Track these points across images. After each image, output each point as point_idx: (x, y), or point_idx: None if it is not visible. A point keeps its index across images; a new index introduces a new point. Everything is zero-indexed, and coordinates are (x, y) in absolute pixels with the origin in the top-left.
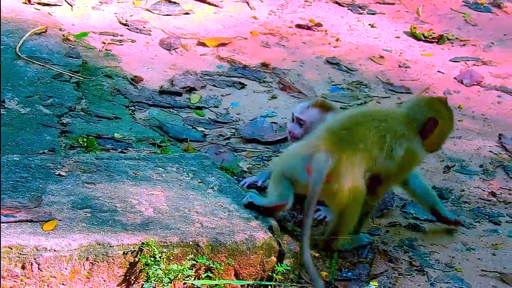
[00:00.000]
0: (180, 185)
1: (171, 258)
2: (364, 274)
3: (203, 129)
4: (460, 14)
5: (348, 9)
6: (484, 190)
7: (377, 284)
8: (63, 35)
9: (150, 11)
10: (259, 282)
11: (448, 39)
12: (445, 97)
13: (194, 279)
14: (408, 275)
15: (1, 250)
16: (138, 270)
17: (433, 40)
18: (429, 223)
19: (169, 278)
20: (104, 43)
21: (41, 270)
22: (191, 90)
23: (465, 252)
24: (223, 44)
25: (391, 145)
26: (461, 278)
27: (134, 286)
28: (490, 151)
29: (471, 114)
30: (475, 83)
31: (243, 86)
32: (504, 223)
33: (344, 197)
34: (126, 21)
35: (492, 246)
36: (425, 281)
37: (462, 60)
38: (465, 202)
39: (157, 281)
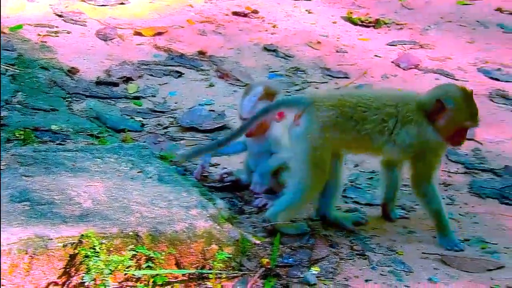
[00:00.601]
0: (118, 175)
1: (111, 249)
2: (305, 260)
3: (141, 119)
4: None
5: None
6: None
7: (318, 269)
8: None
9: (85, 2)
10: (200, 271)
11: (385, 23)
12: (470, 89)
13: (135, 270)
14: (350, 259)
15: None
16: (78, 262)
17: (370, 25)
18: (370, 207)
19: (110, 270)
20: (40, 35)
21: None
22: (128, 80)
23: (406, 235)
24: (159, 33)
25: (392, 129)
26: (403, 261)
27: (74, 278)
28: None
29: None
30: (413, 67)
31: (180, 75)
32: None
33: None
34: (62, 12)
35: (432, 229)
36: (367, 265)
37: (399, 44)
38: (404, 185)
39: (97, 272)
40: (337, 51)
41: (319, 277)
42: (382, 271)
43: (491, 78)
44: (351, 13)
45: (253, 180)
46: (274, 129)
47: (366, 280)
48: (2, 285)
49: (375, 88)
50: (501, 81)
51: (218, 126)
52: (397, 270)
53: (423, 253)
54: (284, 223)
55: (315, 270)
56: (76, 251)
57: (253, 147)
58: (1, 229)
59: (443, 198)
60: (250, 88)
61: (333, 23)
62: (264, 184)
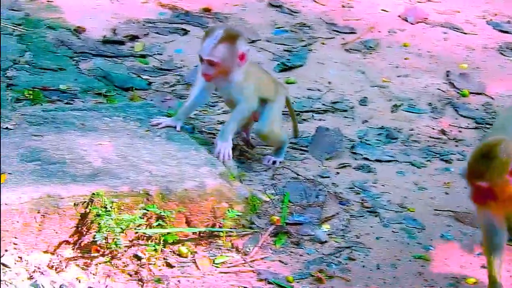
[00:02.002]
0: (127, 134)
1: (122, 207)
2: (315, 217)
3: (148, 77)
4: None
5: None
6: (433, 129)
7: (329, 227)
8: None
9: None
10: (210, 229)
11: None
12: None
13: (146, 228)
14: (360, 216)
15: None
16: (89, 221)
17: None
18: (380, 164)
19: (121, 228)
20: None
21: None
22: (134, 38)
23: (417, 192)
24: None
25: None
26: (414, 218)
27: (86, 237)
28: (438, 89)
29: (417, 52)
30: (420, 21)
31: (186, 32)
32: (455, 161)
33: None
34: None
35: (444, 185)
36: (378, 222)
37: None
38: (415, 141)
39: (108, 231)
40: (343, 6)
41: (330, 234)
42: (394, 228)
43: (501, 31)
44: None
45: (217, 145)
46: (236, 73)
47: (377, 238)
48: (14, 243)
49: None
50: (511, 33)
51: None
52: (409, 227)
53: (435, 209)
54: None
55: (325, 227)
56: (87, 210)
57: (220, 93)
58: (13, 188)
59: (454, 154)
60: (211, 30)
61: None
62: (227, 147)
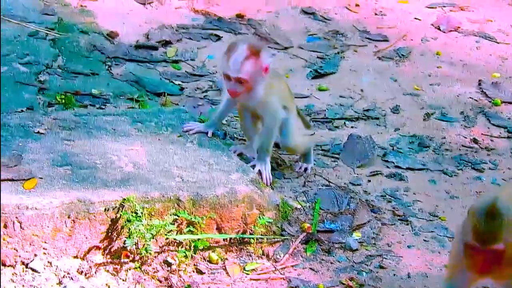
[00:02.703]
0: (159, 139)
1: (153, 213)
2: (347, 225)
3: (180, 82)
4: None
5: None
6: (465, 137)
7: (360, 235)
8: None
9: None
10: (241, 235)
11: None
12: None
13: (176, 234)
14: (392, 224)
15: None
16: (120, 226)
17: None
18: (411, 172)
19: (151, 234)
20: None
21: (23, 229)
22: (167, 43)
23: (449, 200)
24: None
25: None
26: (446, 226)
27: (116, 242)
28: (470, 97)
29: (450, 60)
30: (453, 29)
31: (218, 38)
32: (487, 170)
33: None
34: None
35: (476, 194)
36: (409, 231)
37: (439, 6)
38: (447, 149)
39: (139, 236)
40: (376, 14)
41: (361, 242)
42: (425, 236)
43: None
44: None
45: (258, 168)
46: (259, 87)
47: (409, 246)
48: (44, 248)
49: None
50: None
51: None
52: (440, 235)
53: None
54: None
55: (356, 235)
56: (118, 215)
57: (243, 111)
58: (43, 193)
59: (485, 163)
60: (234, 46)
61: None
62: (267, 169)
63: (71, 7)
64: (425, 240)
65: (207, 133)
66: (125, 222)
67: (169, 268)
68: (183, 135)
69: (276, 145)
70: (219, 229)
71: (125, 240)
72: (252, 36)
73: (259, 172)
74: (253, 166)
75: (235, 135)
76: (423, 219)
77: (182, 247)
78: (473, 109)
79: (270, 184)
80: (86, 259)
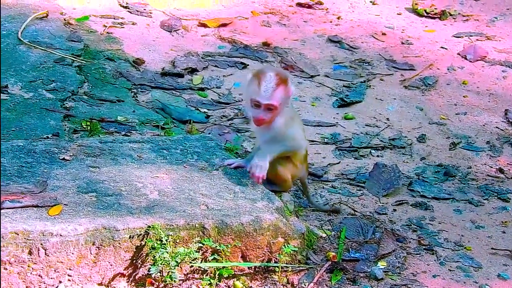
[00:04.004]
0: (184, 167)
1: (178, 241)
2: (372, 254)
3: (206, 110)
4: None
5: None
6: (491, 167)
7: (385, 264)
8: (64, 19)
9: None
10: (266, 264)
11: (451, 15)
12: None
13: (201, 262)
14: (417, 254)
15: (8, 236)
16: (144, 254)
17: (436, 16)
18: (437, 201)
19: (176, 261)
20: (105, 26)
21: (48, 255)
22: (193, 71)
23: (474, 230)
24: (224, 25)
25: None
26: (471, 256)
27: (141, 269)
28: (497, 127)
29: (476, 89)
30: (479, 59)
31: (245, 66)
32: None
33: None
34: (127, 3)
35: (501, 224)
36: (435, 260)
37: (465, 36)
38: (472, 179)
39: (163, 264)
40: (402, 43)
41: (386, 271)
42: (450, 266)
43: None
44: (416, 4)
45: (252, 162)
46: (281, 117)
47: (434, 276)
48: (69, 275)
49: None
50: None
51: None
52: (465, 265)
53: (492, 248)
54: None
55: (382, 264)
56: (143, 243)
57: (261, 137)
58: (68, 220)
59: (511, 193)
60: (262, 74)
61: (398, 14)
62: (263, 167)
63: (97, 34)
64: (450, 270)
65: (245, 167)
66: (150, 249)
67: None
68: (209, 162)
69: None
70: (244, 257)
71: (149, 268)
72: (276, 64)
73: (251, 167)
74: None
75: None
76: (448, 248)
77: (206, 275)
78: (500, 138)
79: (259, 182)
80: (110, 286)
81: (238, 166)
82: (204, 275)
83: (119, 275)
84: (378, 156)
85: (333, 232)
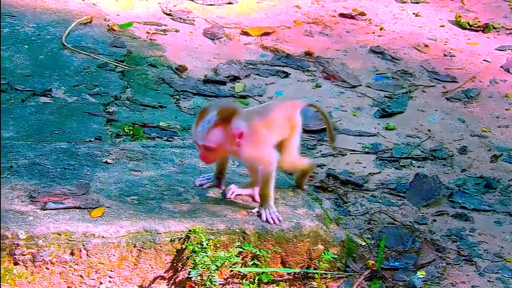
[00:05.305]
0: (226, 172)
1: (218, 245)
2: (411, 264)
3: None
4: (506, 2)
5: None
6: None
7: (425, 274)
8: (108, 25)
9: (193, 1)
10: (306, 270)
11: (494, 28)
12: None
13: (241, 267)
14: (456, 264)
15: (50, 236)
16: (185, 257)
17: (479, 29)
18: (477, 213)
19: (216, 265)
20: (149, 32)
21: (89, 257)
22: (235, 79)
23: None
24: (266, 34)
25: None
26: (511, 268)
27: (181, 273)
28: None
29: None
30: None
31: (287, 75)
32: None
33: None
34: (170, 11)
35: None
36: (474, 271)
37: (509, 49)
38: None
39: (204, 268)
40: (444, 55)
41: (425, 281)
42: (490, 277)
43: None
44: (459, 17)
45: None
46: (242, 150)
47: (473, 286)
48: (110, 277)
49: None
50: None
51: (324, 127)
52: (505, 277)
53: None
54: None
55: (421, 274)
56: (184, 246)
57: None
58: (110, 222)
59: None
60: (203, 111)
61: (441, 26)
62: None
63: (141, 40)
64: (489, 281)
65: (219, 186)
66: (191, 253)
67: None
68: None
69: (342, 182)
70: (284, 263)
71: (189, 271)
72: (228, 100)
73: (266, 221)
74: (258, 214)
75: None
76: (488, 260)
77: (246, 280)
78: None
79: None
80: None
81: (212, 186)
82: (244, 280)
83: (159, 277)
84: (419, 166)
85: (372, 240)
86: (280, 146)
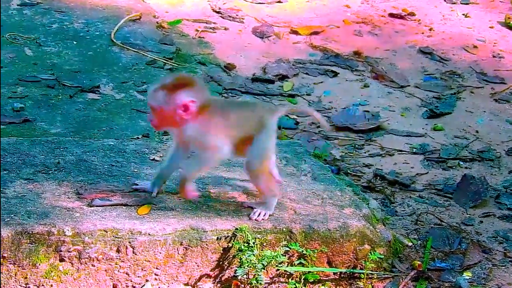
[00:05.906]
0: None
1: (265, 244)
2: (457, 265)
3: (295, 116)
4: None
5: None
6: None
7: (471, 275)
8: (157, 22)
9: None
10: (352, 270)
11: None
12: None
13: (287, 266)
14: (503, 266)
15: (97, 233)
16: (231, 256)
17: None
18: None
19: (262, 264)
20: (198, 30)
21: (135, 254)
22: (283, 77)
23: None
24: (315, 33)
25: None
26: None
27: (227, 271)
28: None
29: None
30: None
31: (335, 74)
32: None
33: None
34: (219, 9)
35: None
36: None
37: None
38: None
39: (250, 266)
40: (493, 56)
41: (471, 282)
42: None
43: None
44: (509, 18)
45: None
46: (188, 127)
47: None
48: (156, 274)
49: None
50: None
51: (372, 127)
52: None
53: None
54: None
55: (467, 275)
56: (230, 245)
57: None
58: (157, 219)
59: None
60: (169, 76)
61: (490, 27)
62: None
63: (189, 38)
64: None
65: (152, 193)
66: (237, 251)
67: None
68: (298, 168)
69: (389, 182)
70: (330, 263)
71: (236, 270)
72: (196, 75)
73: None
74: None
75: (349, 171)
76: None
77: (292, 279)
78: None
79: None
80: (196, 287)
81: (143, 189)
82: (290, 279)
83: (205, 276)
84: (466, 167)
85: (419, 241)
86: (245, 146)
